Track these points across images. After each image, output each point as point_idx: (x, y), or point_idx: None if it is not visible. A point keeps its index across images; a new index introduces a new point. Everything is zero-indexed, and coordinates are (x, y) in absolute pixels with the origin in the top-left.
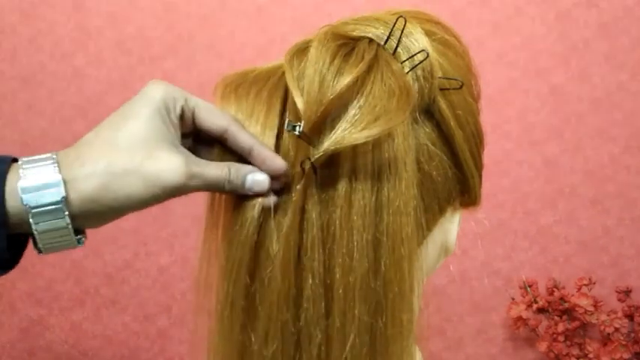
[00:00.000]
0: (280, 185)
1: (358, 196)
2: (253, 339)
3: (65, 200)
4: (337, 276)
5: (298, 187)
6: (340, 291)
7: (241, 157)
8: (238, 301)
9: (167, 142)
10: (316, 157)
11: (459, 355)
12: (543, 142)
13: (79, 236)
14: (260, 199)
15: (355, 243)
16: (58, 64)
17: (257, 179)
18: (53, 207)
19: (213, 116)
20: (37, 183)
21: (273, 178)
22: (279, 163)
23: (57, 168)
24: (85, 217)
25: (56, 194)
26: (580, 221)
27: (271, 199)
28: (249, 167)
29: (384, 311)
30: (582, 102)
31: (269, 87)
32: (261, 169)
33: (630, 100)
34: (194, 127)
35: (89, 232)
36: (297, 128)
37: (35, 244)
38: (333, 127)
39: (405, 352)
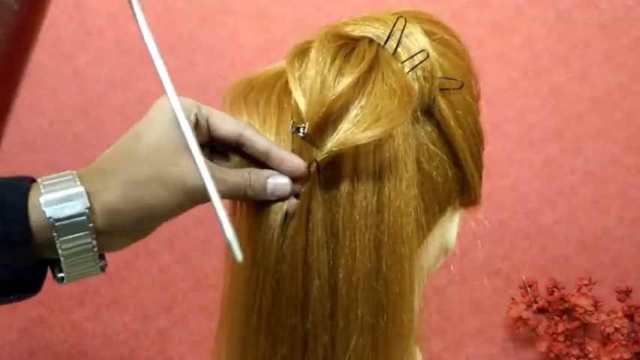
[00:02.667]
0: (301, 187)
1: (360, 196)
2: (261, 344)
3: (89, 212)
4: (341, 276)
5: (304, 189)
6: (344, 291)
7: (259, 163)
8: (266, 308)
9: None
10: (321, 158)
11: (459, 355)
12: (543, 142)
13: (101, 262)
14: (283, 204)
15: (358, 243)
16: (58, 64)
17: (278, 182)
18: (78, 219)
19: (227, 122)
20: (59, 196)
21: (294, 180)
22: (298, 162)
23: (78, 181)
24: (109, 234)
25: (80, 205)
26: (580, 221)
27: (294, 203)
28: (268, 171)
29: (385, 311)
30: (582, 102)
31: (277, 92)
32: (280, 170)
33: (630, 100)
34: (209, 137)
35: None
36: (301, 130)
37: (54, 272)
38: (335, 128)
39: (405, 351)
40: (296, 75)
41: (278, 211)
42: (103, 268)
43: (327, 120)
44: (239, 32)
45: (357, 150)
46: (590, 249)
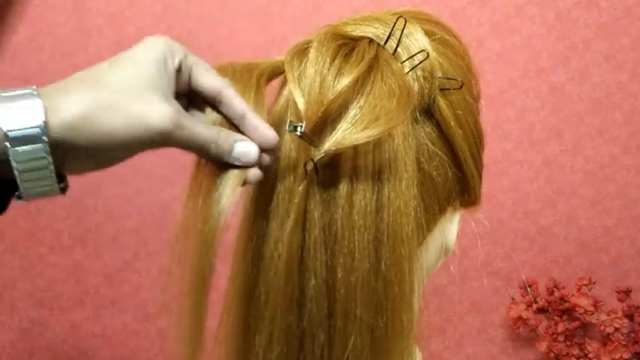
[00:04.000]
0: (268, 162)
1: (359, 196)
2: (257, 342)
3: (45, 125)
4: (339, 276)
5: (300, 187)
6: (342, 291)
7: (234, 128)
8: (261, 306)
9: (160, 91)
10: (318, 157)
11: (459, 355)
12: (543, 142)
13: (62, 184)
14: (245, 171)
15: (356, 243)
16: (58, 64)
17: (246, 146)
18: (32, 131)
19: (209, 75)
20: (15, 106)
21: (263, 151)
22: (271, 134)
23: (36, 95)
24: (65, 150)
25: (36, 118)
26: (580, 221)
27: (257, 173)
28: (240, 135)
29: (384, 311)
30: (582, 102)
31: (259, 71)
32: (252, 137)
33: (630, 100)
34: (189, 87)
35: (90, 233)
36: (299, 129)
37: (13, 189)
38: (334, 128)
39: (405, 352)
40: (295, 74)
41: (238, 177)
42: (63, 190)
43: (326, 119)
44: (239, 32)
45: (356, 150)
46: (590, 249)
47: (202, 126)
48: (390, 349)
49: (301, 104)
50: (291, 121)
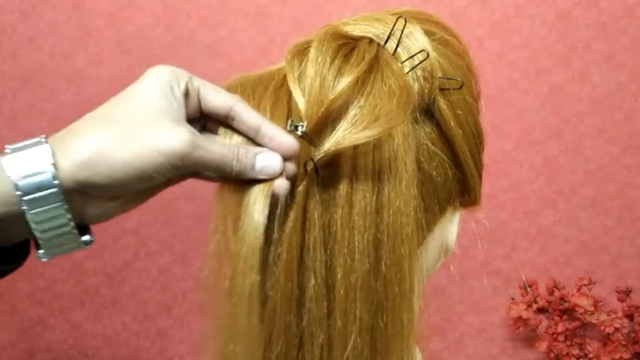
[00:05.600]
0: (293, 170)
1: (359, 196)
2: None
3: (56, 169)
4: (339, 276)
5: (300, 187)
6: (342, 291)
7: (250, 141)
8: (250, 302)
9: (170, 117)
10: (318, 157)
11: (459, 355)
12: (543, 142)
13: (85, 237)
14: (272, 184)
15: (356, 243)
16: (58, 64)
17: (268, 158)
18: (43, 177)
19: (218, 94)
20: (24, 158)
21: (285, 159)
22: (290, 140)
23: (45, 141)
24: (83, 195)
25: (44, 162)
26: (580, 221)
27: (284, 184)
28: (258, 148)
29: (384, 311)
30: (582, 102)
31: (275, 84)
32: (270, 148)
33: (630, 100)
34: (200, 112)
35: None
36: (300, 128)
37: (37, 246)
38: (334, 128)
39: (405, 352)
40: (295, 74)
41: (264, 191)
42: (87, 243)
43: (326, 119)
44: (239, 32)
45: (356, 150)
46: (590, 249)
47: (219, 144)
48: (390, 349)
49: (302, 104)
50: (292, 121)
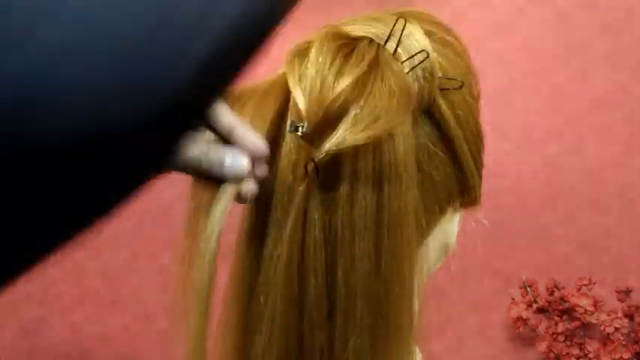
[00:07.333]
0: (262, 174)
1: (359, 196)
2: (257, 342)
3: None
4: (339, 276)
5: (301, 188)
6: (342, 291)
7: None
8: (259, 306)
9: None
10: (319, 158)
11: (459, 355)
12: (543, 142)
13: None
14: (239, 185)
15: (357, 244)
16: None
17: (234, 156)
18: None
19: None
20: None
21: (254, 161)
22: (260, 144)
23: None
24: None
25: None
26: (580, 221)
27: (251, 187)
28: (228, 148)
29: (384, 312)
30: (582, 102)
31: (276, 88)
32: (240, 147)
33: (630, 100)
34: None
35: (90, 233)
36: (300, 129)
37: None
38: (334, 128)
39: (405, 352)
40: (295, 75)
41: (228, 191)
42: None
43: (327, 120)
44: None
45: (356, 150)
46: (590, 249)
47: (190, 145)
48: (390, 349)
49: (302, 104)
50: (292, 122)
